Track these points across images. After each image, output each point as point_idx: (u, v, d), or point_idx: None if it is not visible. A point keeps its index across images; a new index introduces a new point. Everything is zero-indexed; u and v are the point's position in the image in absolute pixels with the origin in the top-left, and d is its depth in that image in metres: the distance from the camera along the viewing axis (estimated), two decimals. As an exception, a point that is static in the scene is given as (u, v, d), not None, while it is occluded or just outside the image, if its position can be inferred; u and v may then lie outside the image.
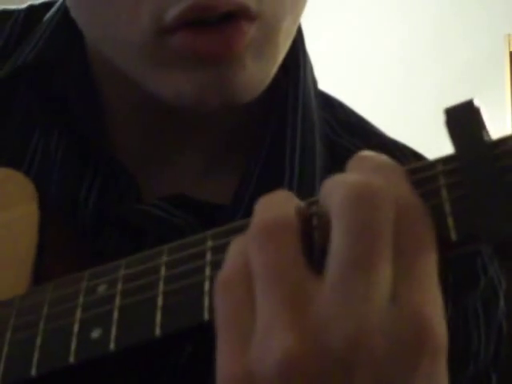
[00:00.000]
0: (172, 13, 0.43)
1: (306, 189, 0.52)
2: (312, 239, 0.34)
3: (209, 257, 0.37)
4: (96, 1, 0.45)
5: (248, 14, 0.44)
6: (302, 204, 0.35)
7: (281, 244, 0.32)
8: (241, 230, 0.37)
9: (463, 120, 0.33)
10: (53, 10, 0.57)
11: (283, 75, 0.54)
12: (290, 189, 0.51)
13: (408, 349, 0.30)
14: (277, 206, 0.34)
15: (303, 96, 0.54)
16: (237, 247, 0.34)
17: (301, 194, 0.52)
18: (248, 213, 0.50)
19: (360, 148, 0.57)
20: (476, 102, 0.33)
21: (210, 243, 0.38)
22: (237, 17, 0.43)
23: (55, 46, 0.54)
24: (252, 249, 0.32)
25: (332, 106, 0.60)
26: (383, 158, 0.35)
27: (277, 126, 0.53)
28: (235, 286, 0.32)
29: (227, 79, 0.44)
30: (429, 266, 0.32)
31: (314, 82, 0.58)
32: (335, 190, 0.32)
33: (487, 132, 0.33)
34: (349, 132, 0.58)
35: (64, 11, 0.54)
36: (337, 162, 0.56)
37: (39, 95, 0.54)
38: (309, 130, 0.54)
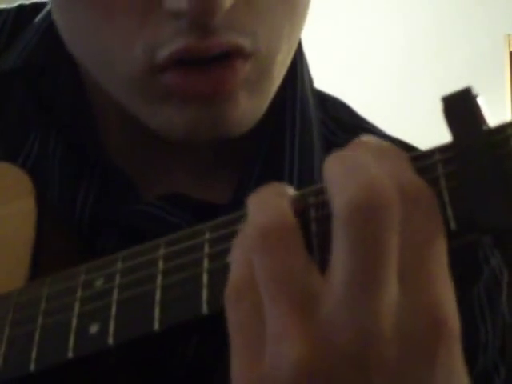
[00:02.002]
0: (164, 53, 0.42)
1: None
2: (309, 232, 0.34)
3: (206, 249, 0.37)
4: (89, 30, 0.45)
5: (242, 53, 0.43)
6: (296, 195, 0.35)
7: (282, 249, 0.32)
8: (237, 221, 0.37)
9: (460, 108, 0.33)
10: (42, 13, 0.56)
11: None
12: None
13: (424, 342, 0.30)
14: (271, 205, 0.33)
15: (301, 96, 0.54)
16: (238, 253, 0.33)
17: None
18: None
19: None
20: (474, 90, 0.33)
21: (207, 235, 0.37)
22: (231, 56, 0.43)
23: (43, 52, 0.54)
24: (254, 256, 0.32)
25: (326, 105, 0.60)
26: (386, 143, 0.35)
27: (275, 127, 0.53)
28: (243, 296, 0.32)
29: (219, 116, 0.44)
30: (439, 253, 0.31)
31: (311, 81, 0.57)
32: (338, 190, 0.31)
33: (485, 120, 0.33)
34: (343, 130, 0.58)
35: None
36: None
37: (32, 98, 0.54)
38: (307, 130, 0.54)
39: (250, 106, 0.45)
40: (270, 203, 0.33)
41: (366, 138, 0.35)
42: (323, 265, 0.32)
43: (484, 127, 0.32)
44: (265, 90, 0.46)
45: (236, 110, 0.44)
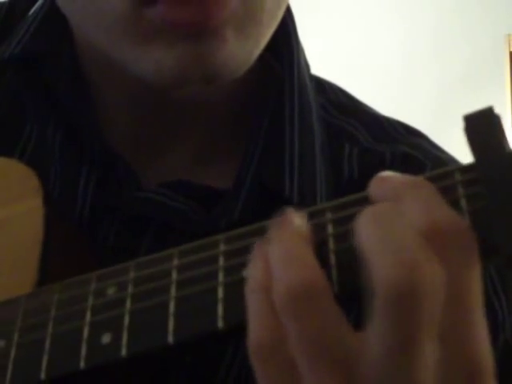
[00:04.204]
0: None
1: (307, 168, 0.52)
2: (328, 262, 0.33)
3: (221, 262, 0.37)
4: None
5: None
6: (312, 228, 0.34)
7: (315, 310, 0.31)
8: (254, 234, 0.37)
9: (483, 128, 0.32)
10: (38, 4, 0.56)
11: (276, 60, 0.54)
12: (291, 169, 0.51)
13: None
14: (297, 256, 0.32)
15: (298, 77, 0.54)
16: (260, 304, 0.33)
17: (303, 174, 0.51)
18: (250, 195, 0.50)
19: (355, 126, 0.57)
20: (494, 110, 0.33)
21: (222, 247, 0.37)
22: None
23: (43, 38, 0.54)
24: (285, 317, 0.31)
25: (323, 89, 0.60)
26: (406, 178, 0.34)
27: (274, 108, 0.53)
28: (273, 353, 0.32)
29: (207, 53, 0.43)
30: (477, 299, 0.31)
31: (307, 66, 0.57)
32: (377, 264, 0.30)
33: (506, 140, 0.32)
34: (342, 112, 0.58)
35: (50, 4, 0.54)
36: (334, 142, 0.56)
37: (30, 87, 0.54)
38: (306, 111, 0.54)
39: (237, 47, 0.45)
40: (295, 254, 0.32)
41: (385, 175, 0.34)
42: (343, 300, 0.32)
43: (507, 148, 0.32)
44: (253, 33, 0.46)
45: (223, 48, 0.44)
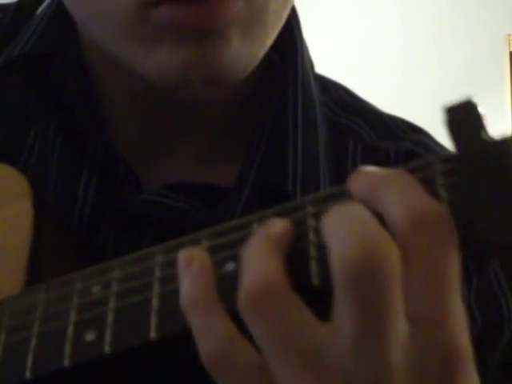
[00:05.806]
0: None
1: (310, 166, 0.52)
2: (308, 260, 0.33)
3: None
4: None
5: None
6: (293, 222, 0.34)
7: (275, 306, 0.31)
8: (236, 230, 0.37)
9: (463, 119, 0.32)
10: (45, 3, 0.57)
11: (280, 57, 0.54)
12: (295, 167, 0.51)
13: (440, 376, 0.30)
14: (260, 263, 0.32)
15: (302, 76, 0.54)
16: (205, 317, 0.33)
17: (306, 172, 0.51)
18: (252, 195, 0.50)
19: (359, 124, 0.57)
20: (474, 101, 0.33)
21: (205, 243, 0.37)
22: None
23: (50, 38, 0.54)
24: (247, 318, 0.32)
25: (327, 88, 0.60)
26: (385, 171, 0.34)
27: (278, 106, 0.53)
28: (229, 363, 0.32)
29: (211, 55, 0.44)
30: (452, 282, 0.31)
31: (311, 65, 0.57)
32: (335, 247, 0.31)
33: (486, 131, 0.32)
34: (346, 111, 0.58)
35: (57, 4, 0.54)
36: (338, 140, 0.56)
37: (34, 87, 0.54)
38: (310, 109, 0.54)
39: (242, 49, 0.45)
40: (259, 261, 0.33)
41: (365, 169, 0.34)
42: (325, 290, 0.32)
43: (486, 139, 0.32)
44: (258, 36, 0.46)
45: (228, 50, 0.44)
